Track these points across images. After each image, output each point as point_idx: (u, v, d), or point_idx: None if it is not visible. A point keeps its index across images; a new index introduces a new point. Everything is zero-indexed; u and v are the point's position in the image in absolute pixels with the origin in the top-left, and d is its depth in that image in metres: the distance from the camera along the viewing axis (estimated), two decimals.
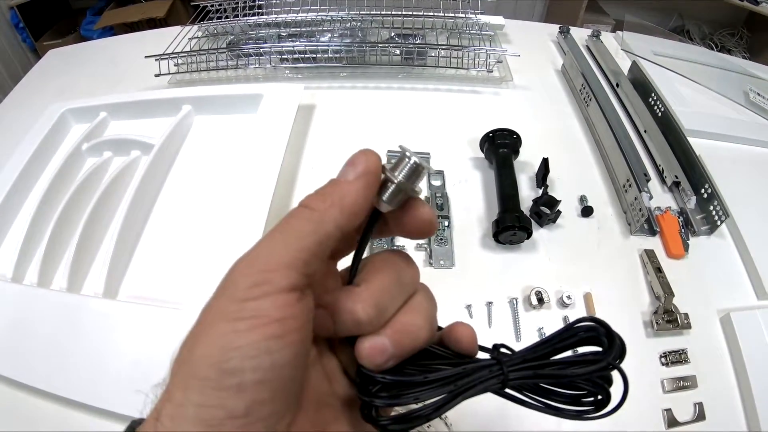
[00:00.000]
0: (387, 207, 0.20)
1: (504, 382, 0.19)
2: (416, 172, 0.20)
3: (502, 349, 0.20)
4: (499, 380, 0.19)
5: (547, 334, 0.45)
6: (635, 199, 0.54)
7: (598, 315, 0.47)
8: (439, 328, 0.22)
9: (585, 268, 0.51)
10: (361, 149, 0.20)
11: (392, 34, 0.79)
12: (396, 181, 0.20)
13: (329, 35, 0.77)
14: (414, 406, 0.18)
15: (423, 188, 0.59)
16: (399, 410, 0.19)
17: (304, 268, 0.17)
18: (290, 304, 0.16)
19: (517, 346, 0.45)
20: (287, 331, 0.16)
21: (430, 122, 0.68)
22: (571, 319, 0.46)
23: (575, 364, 0.18)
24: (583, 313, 0.47)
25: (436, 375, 0.18)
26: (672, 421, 0.41)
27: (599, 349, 0.18)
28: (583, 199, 0.57)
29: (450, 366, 0.19)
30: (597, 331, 0.18)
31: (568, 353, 0.19)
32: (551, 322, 0.47)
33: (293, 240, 0.17)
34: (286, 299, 0.16)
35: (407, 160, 0.20)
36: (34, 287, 0.48)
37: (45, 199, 0.55)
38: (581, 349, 0.19)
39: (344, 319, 0.19)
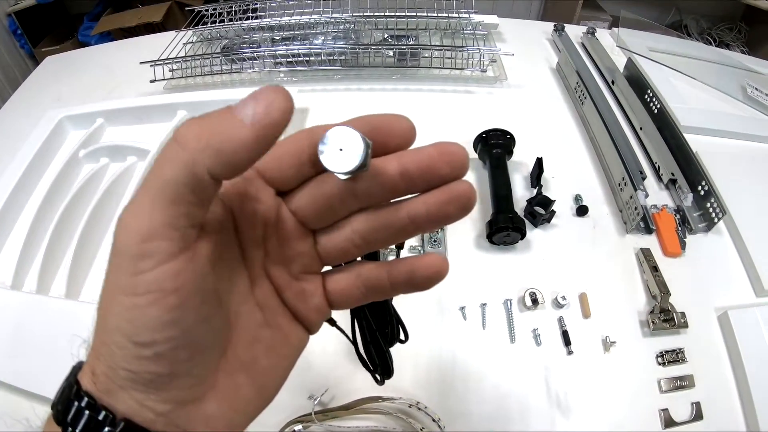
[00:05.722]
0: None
1: None
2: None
3: None
4: None
5: (540, 335, 0.45)
6: (630, 197, 0.53)
7: (594, 315, 0.47)
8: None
9: (580, 268, 0.51)
10: (272, 86, 0.15)
11: (386, 36, 0.79)
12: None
13: (323, 38, 0.77)
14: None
15: None
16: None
17: (187, 223, 0.15)
18: (182, 270, 0.15)
19: (511, 348, 0.45)
20: (187, 297, 0.15)
21: (424, 123, 0.66)
22: (566, 320, 0.46)
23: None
24: (578, 314, 0.47)
25: None
26: (669, 422, 0.41)
27: None
28: (578, 198, 0.57)
29: None
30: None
31: None
32: (546, 322, 0.47)
33: (166, 193, 0.15)
34: (176, 267, 0.15)
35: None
36: (33, 294, 0.49)
37: (43, 206, 0.56)
38: None
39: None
